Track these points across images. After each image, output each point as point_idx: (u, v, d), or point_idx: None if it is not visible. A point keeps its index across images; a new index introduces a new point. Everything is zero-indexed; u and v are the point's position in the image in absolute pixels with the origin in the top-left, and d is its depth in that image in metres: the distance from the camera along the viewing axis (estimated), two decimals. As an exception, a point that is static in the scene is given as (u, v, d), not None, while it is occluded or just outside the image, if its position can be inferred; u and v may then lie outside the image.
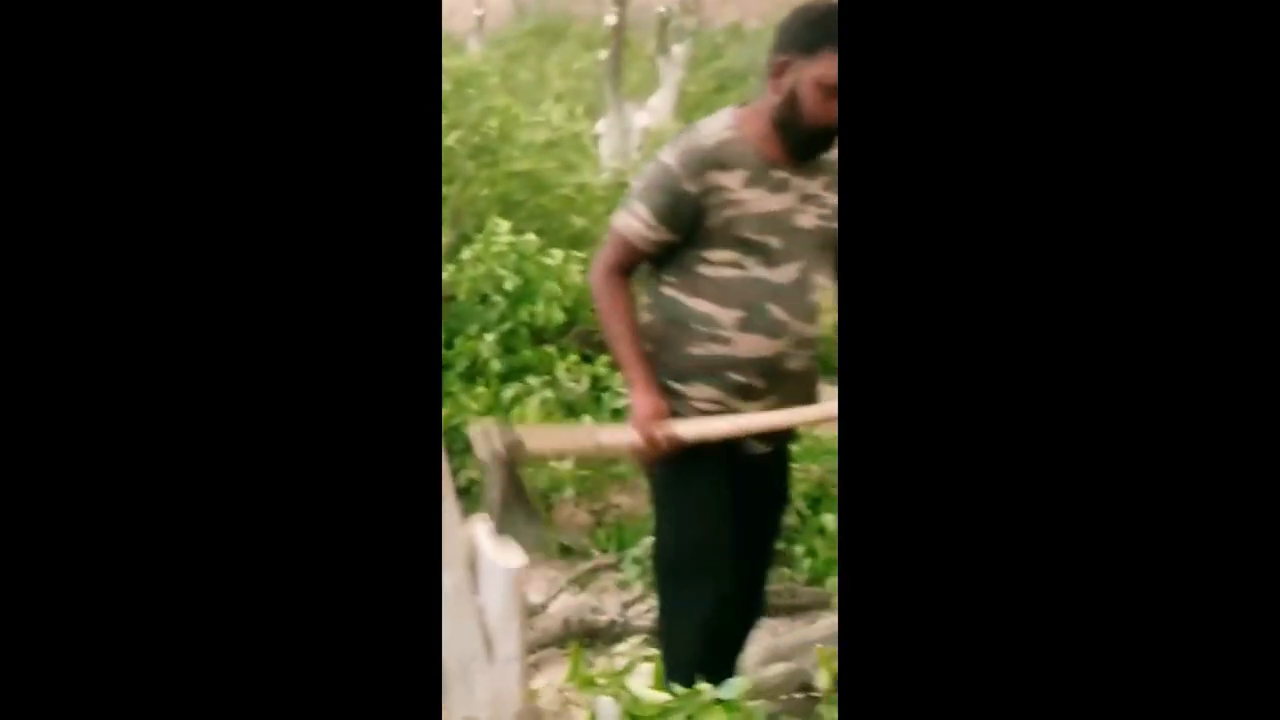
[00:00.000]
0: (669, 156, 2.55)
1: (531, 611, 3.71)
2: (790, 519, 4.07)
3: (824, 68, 2.46)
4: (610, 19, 8.02)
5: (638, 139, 7.85)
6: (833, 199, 2.63)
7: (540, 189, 5.72)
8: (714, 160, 2.51)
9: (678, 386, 2.61)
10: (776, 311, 2.56)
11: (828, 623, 3.63)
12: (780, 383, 2.61)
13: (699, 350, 2.59)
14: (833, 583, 3.77)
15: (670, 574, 2.64)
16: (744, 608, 2.73)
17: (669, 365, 2.62)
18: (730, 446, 2.61)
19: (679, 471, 2.60)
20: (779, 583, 3.98)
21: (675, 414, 2.60)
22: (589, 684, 1.72)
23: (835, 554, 3.79)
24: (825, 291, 2.63)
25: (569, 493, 4.42)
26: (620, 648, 3.11)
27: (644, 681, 1.78)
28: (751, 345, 2.57)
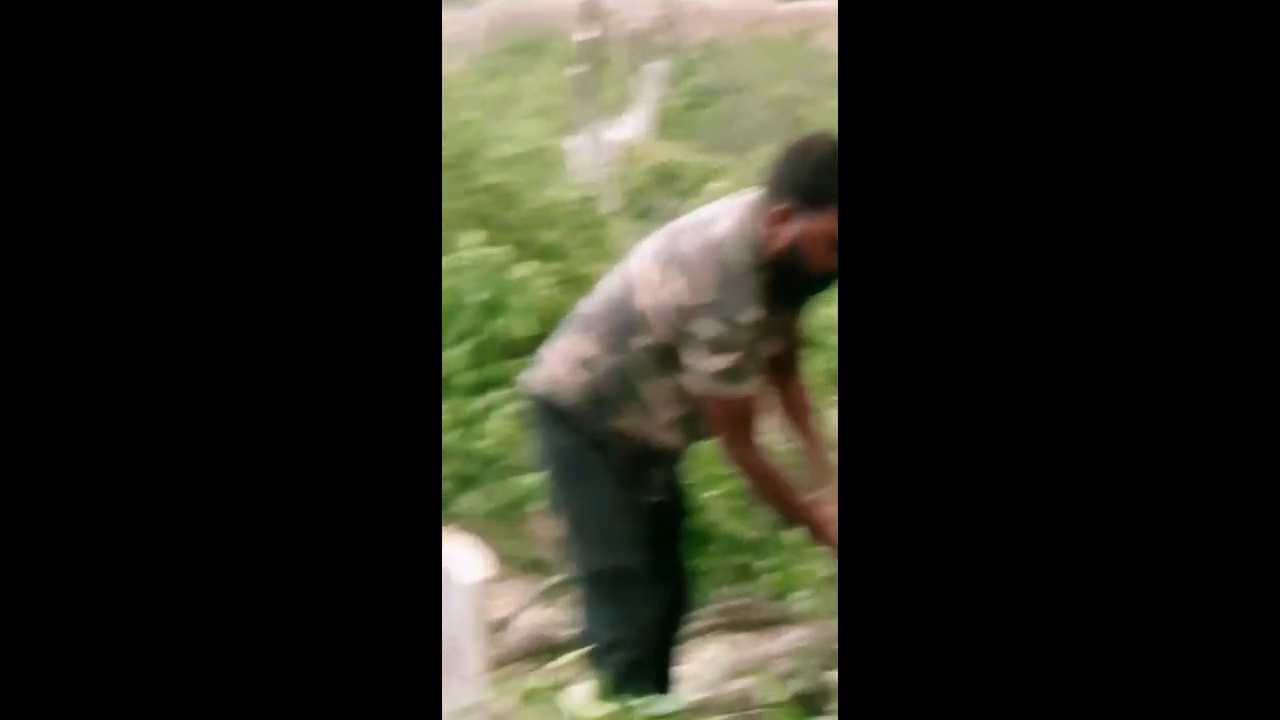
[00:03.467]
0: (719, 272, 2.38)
1: (497, 626, 3.68)
2: (752, 534, 4.07)
3: (834, 222, 2.32)
4: (580, 34, 8.05)
5: (609, 154, 7.86)
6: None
7: (510, 203, 5.71)
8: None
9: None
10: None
11: (790, 638, 3.62)
12: None
13: (621, 421, 2.58)
14: (795, 597, 3.76)
15: (598, 593, 2.63)
16: (671, 622, 2.74)
17: (588, 417, 2.59)
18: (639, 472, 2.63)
19: (596, 497, 2.60)
20: (741, 598, 3.98)
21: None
22: (532, 697, 1.71)
23: (797, 570, 3.78)
24: None
25: (540, 504, 4.41)
26: (558, 661, 3.11)
27: (583, 695, 1.77)
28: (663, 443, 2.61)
